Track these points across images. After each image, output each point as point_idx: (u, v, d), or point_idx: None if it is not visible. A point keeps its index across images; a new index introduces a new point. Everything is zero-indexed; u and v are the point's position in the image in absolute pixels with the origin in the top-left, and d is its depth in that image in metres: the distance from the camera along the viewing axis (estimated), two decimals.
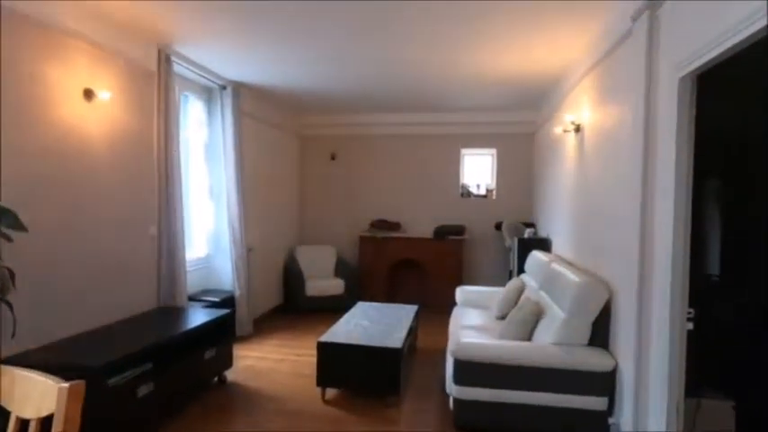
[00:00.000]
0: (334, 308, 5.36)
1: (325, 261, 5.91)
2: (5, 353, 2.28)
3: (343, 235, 6.25)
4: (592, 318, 2.32)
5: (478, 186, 6.11)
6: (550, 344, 2.38)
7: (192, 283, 4.30)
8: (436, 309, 5.38)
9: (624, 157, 2.29)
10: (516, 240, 4.37)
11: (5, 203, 2.24)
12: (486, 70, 4.00)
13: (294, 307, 5.43)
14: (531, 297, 3.01)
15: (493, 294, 4.05)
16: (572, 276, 2.55)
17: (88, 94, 2.82)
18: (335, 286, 5.52)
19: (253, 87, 4.77)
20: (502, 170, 5.92)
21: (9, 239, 2.19)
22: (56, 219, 2.63)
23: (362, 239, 5.97)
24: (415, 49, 3.57)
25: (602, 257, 2.62)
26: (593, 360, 2.26)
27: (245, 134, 4.74)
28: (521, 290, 3.57)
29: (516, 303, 3.55)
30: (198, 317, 3.28)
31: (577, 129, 3.14)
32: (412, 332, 3.61)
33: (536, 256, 3.76)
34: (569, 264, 3.12)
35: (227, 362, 3.39)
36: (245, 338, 4.39)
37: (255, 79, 4.53)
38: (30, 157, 2.48)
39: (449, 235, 5.70)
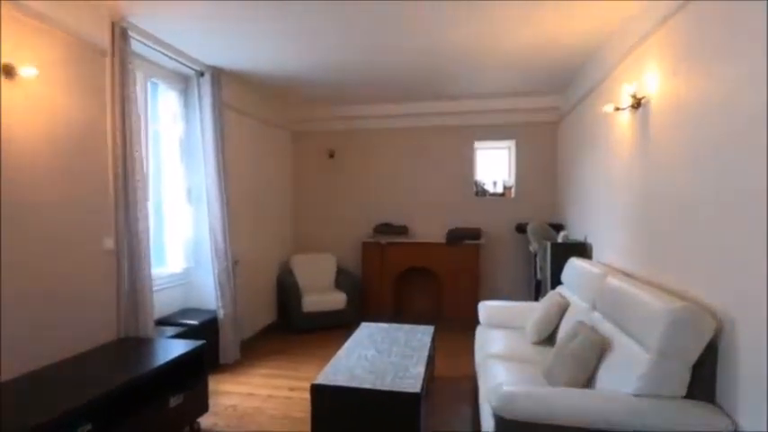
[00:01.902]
0: (334, 325, 4.72)
1: (325, 271, 5.25)
2: None
3: (343, 242, 5.59)
4: (692, 359, 1.65)
5: (495, 184, 5.44)
6: (631, 394, 1.72)
7: (169, 302, 3.67)
8: (451, 325, 4.72)
9: (742, 135, 1.63)
10: (549, 245, 3.70)
11: None
12: (504, 46, 3.36)
13: (289, 325, 4.76)
14: (585, 322, 2.34)
15: (522, 311, 3.39)
16: (652, 300, 1.88)
17: (9, 70, 2.17)
18: (336, 300, 4.86)
19: (236, 74, 4.12)
20: (521, 165, 5.25)
21: None
22: None
23: (365, 246, 5.31)
24: (421, 24, 2.95)
25: (694, 271, 1.95)
26: (700, 419, 1.59)
27: (227, 128, 4.08)
28: (563, 308, 2.91)
29: (558, 326, 2.88)
30: (163, 351, 2.63)
31: (637, 104, 2.47)
32: (430, 362, 2.95)
33: (579, 265, 3.09)
34: (632, 278, 2.45)
35: (202, 406, 2.74)
36: (229, 367, 3.73)
37: (238, 64, 3.89)
38: None
39: (463, 239, 5.03)
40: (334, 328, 4.64)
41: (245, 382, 3.46)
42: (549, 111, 4.97)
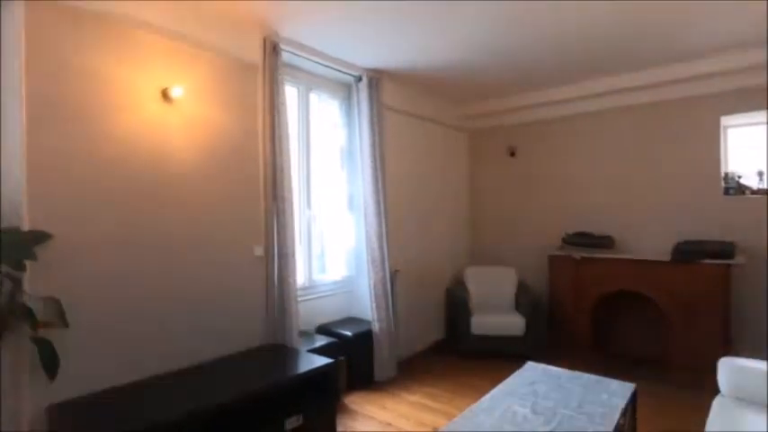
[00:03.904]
0: (509, 353, 3.95)
1: (502, 288, 4.50)
2: (35, 401, 1.94)
3: (526, 254, 4.72)
4: None
5: (761, 176, 3.65)
6: None
7: (331, 309, 3.69)
8: (678, 379, 3.34)
9: None
10: None
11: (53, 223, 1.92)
12: None
13: (457, 346, 4.23)
14: None
15: None
16: None
17: (166, 94, 2.41)
18: (512, 324, 4.06)
19: (396, 74, 3.90)
20: None
21: (21, 269, 1.83)
22: (125, 239, 2.26)
23: (553, 260, 4.31)
24: None
25: None
26: None
27: (389, 132, 3.91)
28: None
29: None
30: (292, 365, 2.53)
31: None
32: None
33: None
34: None
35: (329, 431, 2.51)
36: (382, 386, 3.47)
37: (398, 63, 3.65)
38: (97, 168, 2.16)
39: (700, 257, 3.51)
40: (509, 356, 3.87)
41: (391, 408, 3.12)
42: None
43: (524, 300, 4.28)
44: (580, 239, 4.21)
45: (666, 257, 3.67)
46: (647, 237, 4.02)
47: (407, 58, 3.52)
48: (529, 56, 3.47)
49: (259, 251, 2.91)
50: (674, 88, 3.82)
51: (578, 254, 4.12)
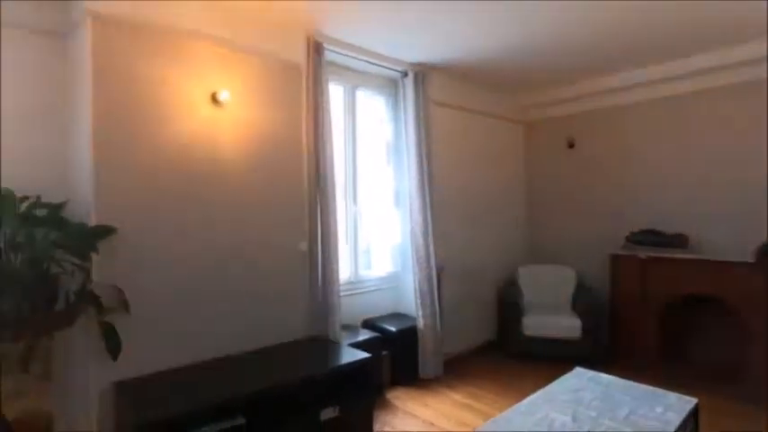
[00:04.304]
0: (563, 357, 3.72)
1: (558, 288, 4.27)
2: (100, 379, 2.17)
3: (585, 252, 4.43)
4: None
5: None
6: None
7: (377, 304, 3.76)
8: (757, 393, 2.98)
9: None
10: None
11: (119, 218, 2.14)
12: None
13: (507, 347, 4.08)
14: None
15: None
16: None
17: (215, 98, 2.57)
18: (567, 326, 3.84)
19: (445, 68, 3.84)
20: None
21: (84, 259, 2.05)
22: (181, 232, 2.45)
23: (616, 260, 4.00)
24: None
25: None
26: None
27: (437, 127, 3.86)
28: None
29: None
30: (331, 357, 2.60)
31: None
32: None
33: None
34: None
35: (364, 426, 2.54)
36: (427, 383, 3.45)
37: (448, 56, 3.59)
38: (155, 168, 2.36)
39: None
40: (563, 361, 3.63)
41: (434, 405, 3.09)
42: None
43: (582, 301, 4.03)
44: (648, 238, 3.87)
45: (749, 259, 3.26)
46: (727, 235, 3.60)
47: (456, 49, 3.44)
48: (591, 38, 3.23)
49: (303, 246, 3.00)
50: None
51: (645, 253, 3.79)
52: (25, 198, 2.06)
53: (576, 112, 4.52)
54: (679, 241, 3.75)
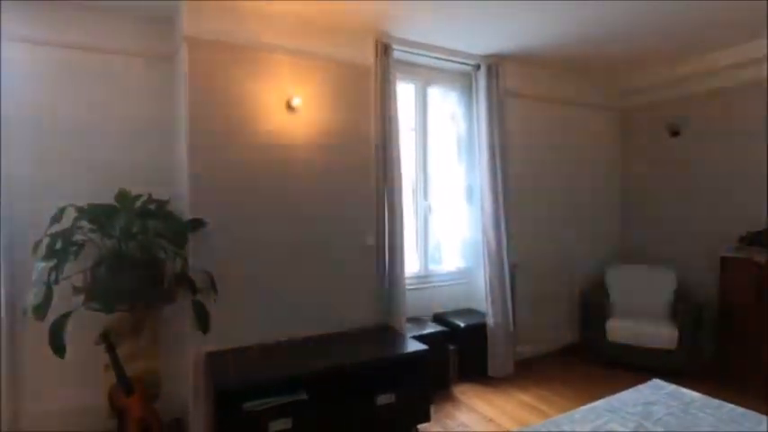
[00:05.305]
0: (654, 368, 3.37)
1: (654, 292, 3.85)
2: (194, 349, 2.55)
3: (689, 253, 3.92)
4: None
5: None
6: None
7: (447, 299, 3.83)
8: None
9: None
10: None
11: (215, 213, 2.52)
12: None
13: (589, 353, 3.81)
14: None
15: None
16: None
17: (289, 104, 2.83)
18: (660, 334, 3.46)
19: (522, 57, 3.69)
20: None
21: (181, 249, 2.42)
22: (262, 224, 2.77)
23: (728, 263, 3.48)
24: None
25: None
26: None
27: (513, 119, 3.77)
28: None
29: None
30: (389, 347, 2.73)
31: None
32: None
33: None
34: None
35: (421, 414, 2.62)
36: (495, 381, 3.40)
37: (525, 44, 3.43)
38: (239, 170, 2.70)
39: None
40: (653, 372, 3.30)
41: (499, 404, 3.05)
42: None
43: (683, 308, 3.58)
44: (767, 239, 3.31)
45: None
46: None
47: (534, 36, 3.27)
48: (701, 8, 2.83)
49: (371, 240, 3.16)
50: None
51: (764, 256, 3.25)
52: (139, 196, 2.52)
53: (681, 96, 3.99)
54: None
